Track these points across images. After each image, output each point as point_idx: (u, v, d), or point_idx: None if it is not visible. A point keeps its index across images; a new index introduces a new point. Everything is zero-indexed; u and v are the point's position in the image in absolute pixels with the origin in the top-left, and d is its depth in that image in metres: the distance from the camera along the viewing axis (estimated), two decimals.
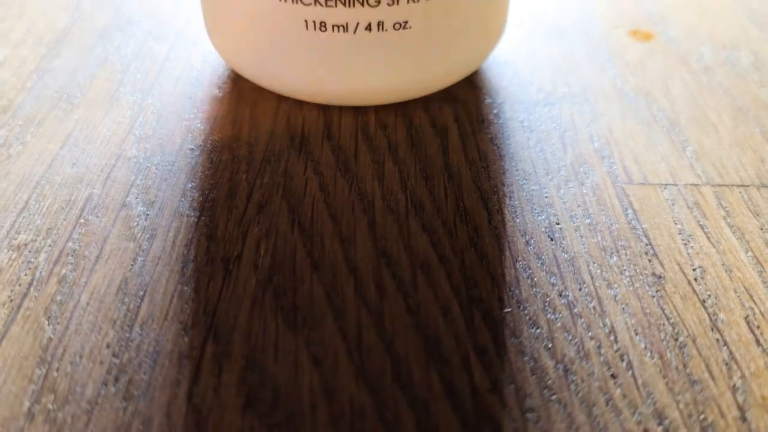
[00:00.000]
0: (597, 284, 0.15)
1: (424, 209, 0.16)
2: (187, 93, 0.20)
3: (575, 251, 0.15)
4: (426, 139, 0.18)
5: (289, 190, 0.17)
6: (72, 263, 0.15)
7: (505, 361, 0.13)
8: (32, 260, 0.15)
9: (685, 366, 0.13)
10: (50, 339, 0.13)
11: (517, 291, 0.14)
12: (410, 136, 0.18)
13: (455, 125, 0.19)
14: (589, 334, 0.14)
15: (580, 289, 0.14)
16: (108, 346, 0.13)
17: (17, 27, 0.23)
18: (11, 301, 0.14)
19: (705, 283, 0.15)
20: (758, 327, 0.14)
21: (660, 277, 0.15)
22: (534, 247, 0.15)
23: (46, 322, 0.14)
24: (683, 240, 0.16)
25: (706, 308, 0.14)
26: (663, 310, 0.14)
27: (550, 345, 0.13)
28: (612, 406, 0.12)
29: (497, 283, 0.15)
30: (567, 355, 0.13)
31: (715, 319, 0.14)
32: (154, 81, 0.21)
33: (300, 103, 0.20)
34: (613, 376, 0.13)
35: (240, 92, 0.20)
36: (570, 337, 0.13)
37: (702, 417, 0.12)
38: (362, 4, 0.17)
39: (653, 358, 0.13)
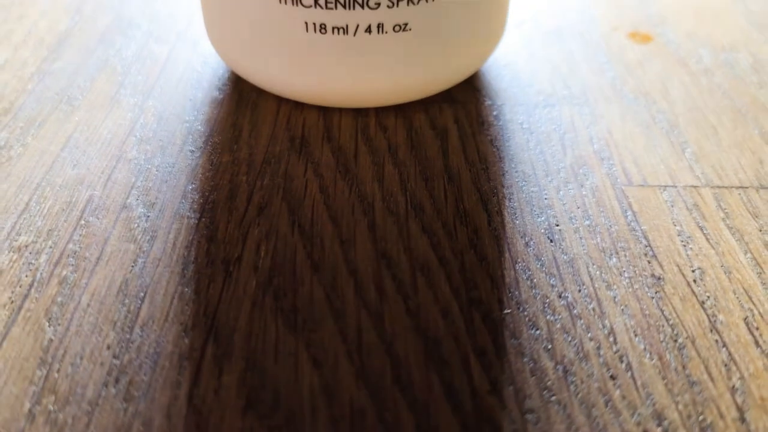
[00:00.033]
0: (596, 285, 0.15)
1: (424, 211, 0.16)
2: (188, 95, 0.20)
3: (575, 253, 0.15)
4: (426, 141, 0.18)
5: (290, 192, 0.17)
6: (73, 265, 0.15)
7: (505, 362, 0.13)
8: (33, 262, 0.15)
9: (684, 367, 0.13)
10: (51, 340, 0.13)
11: (516, 292, 0.14)
12: (410, 138, 0.18)
13: (455, 127, 0.19)
14: (589, 335, 0.14)
15: (580, 291, 0.14)
16: (108, 347, 0.13)
17: (18, 29, 0.23)
18: (12, 302, 0.14)
19: (704, 285, 0.15)
20: (757, 328, 0.14)
21: (659, 278, 0.15)
22: (533, 249, 0.15)
23: (47, 324, 0.14)
24: (682, 241, 0.16)
25: (705, 309, 0.14)
26: (662, 311, 0.14)
27: (549, 346, 0.13)
28: (611, 407, 0.12)
29: (497, 285, 0.15)
30: (566, 357, 0.13)
31: (714, 321, 0.14)
32: (155, 83, 0.21)
33: (300, 105, 0.20)
34: (612, 377, 0.13)
35: (240, 94, 0.20)
36: (569, 339, 0.14)
37: (701, 418, 0.12)
38: (362, 7, 0.17)
39: (652, 359, 0.13)
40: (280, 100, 0.20)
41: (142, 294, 0.14)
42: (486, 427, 0.12)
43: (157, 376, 0.13)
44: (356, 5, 0.17)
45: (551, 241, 0.16)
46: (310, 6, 0.17)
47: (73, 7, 0.25)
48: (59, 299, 0.14)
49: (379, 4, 0.17)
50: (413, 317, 0.14)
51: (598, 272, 0.15)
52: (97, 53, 0.22)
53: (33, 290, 0.14)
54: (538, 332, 0.14)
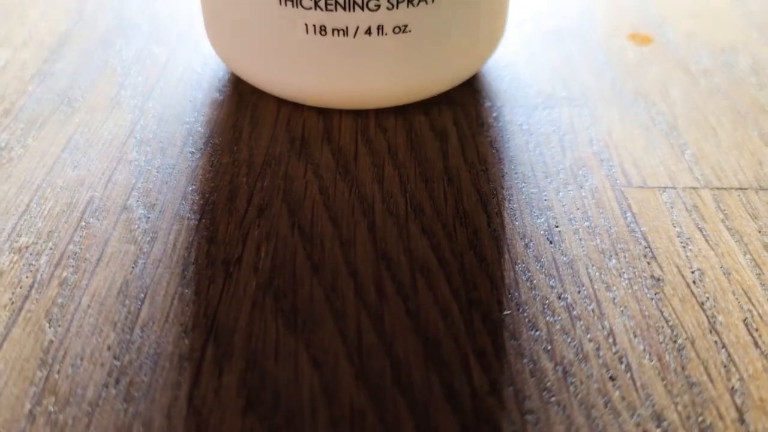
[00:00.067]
0: (596, 287, 0.15)
1: (424, 212, 0.16)
2: (188, 96, 0.20)
3: (574, 254, 0.15)
4: (425, 143, 0.18)
5: (290, 193, 0.17)
6: (73, 266, 0.15)
7: (505, 363, 0.13)
8: (33, 263, 0.15)
9: (683, 368, 0.13)
10: (51, 341, 0.13)
11: (516, 294, 0.14)
12: (410, 140, 0.18)
13: (455, 128, 0.19)
14: (588, 336, 0.14)
15: (579, 292, 0.14)
16: (109, 348, 0.13)
17: (19, 31, 0.23)
18: (12, 303, 0.14)
19: (703, 286, 0.15)
20: (756, 329, 0.14)
21: (659, 279, 0.15)
22: (533, 250, 0.15)
23: (47, 325, 0.14)
24: (682, 243, 0.16)
25: (704, 311, 0.14)
26: (662, 312, 0.14)
27: (549, 347, 0.13)
28: (611, 408, 0.12)
29: (496, 286, 0.15)
30: (566, 358, 0.13)
31: (714, 322, 0.14)
32: (155, 84, 0.21)
33: (300, 107, 0.20)
34: (612, 378, 0.13)
35: (240, 95, 0.20)
36: (569, 340, 0.14)
37: (700, 419, 0.12)
38: (362, 8, 0.17)
39: (652, 361, 0.13)
40: (280, 102, 0.20)
41: (142, 295, 0.14)
42: (486, 427, 0.12)
43: (157, 376, 0.13)
44: (356, 7, 0.17)
45: (551, 242, 0.16)
46: (310, 8, 0.17)
47: (74, 9, 0.25)
48: (60, 300, 0.14)
49: (378, 6, 0.17)
50: (413, 318, 0.14)
51: (597, 273, 0.15)
52: (97, 55, 0.22)
53: (33, 291, 0.14)
54: (537, 333, 0.14)
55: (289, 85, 0.19)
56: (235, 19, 0.18)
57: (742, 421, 0.12)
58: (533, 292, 0.14)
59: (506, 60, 0.22)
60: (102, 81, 0.21)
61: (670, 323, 0.14)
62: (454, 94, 0.20)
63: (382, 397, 0.13)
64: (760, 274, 0.15)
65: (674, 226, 0.16)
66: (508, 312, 0.14)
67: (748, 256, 0.15)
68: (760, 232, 0.16)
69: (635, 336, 0.14)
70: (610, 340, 0.14)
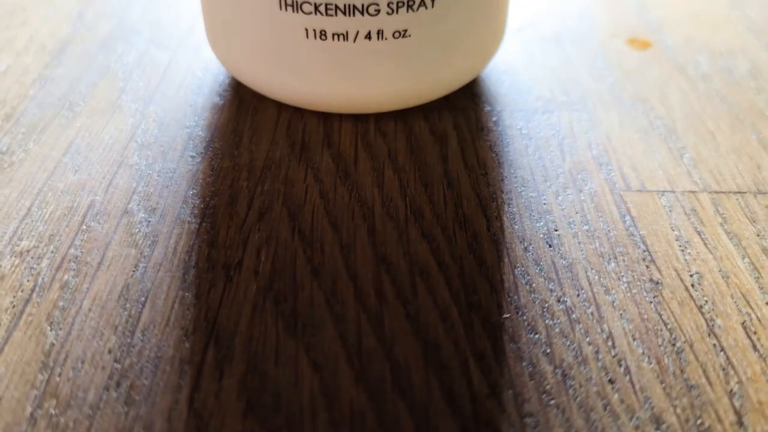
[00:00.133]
0: (595, 290, 0.15)
1: (424, 216, 0.16)
2: (189, 101, 0.20)
3: (573, 257, 0.15)
4: (425, 147, 0.18)
5: (290, 197, 0.17)
6: (74, 269, 0.15)
7: (504, 366, 0.13)
8: (35, 266, 0.15)
9: (682, 371, 0.13)
10: (52, 344, 0.13)
11: (515, 297, 0.14)
12: (410, 144, 0.19)
13: (454, 133, 0.19)
14: (587, 339, 0.14)
15: (578, 295, 0.15)
16: (110, 351, 0.13)
17: (20, 35, 0.23)
18: (14, 306, 0.14)
19: (702, 289, 0.15)
20: (755, 332, 0.14)
21: (657, 283, 0.15)
22: (532, 254, 0.15)
23: (49, 328, 0.14)
24: (680, 246, 0.16)
25: (703, 314, 0.14)
26: (660, 315, 0.14)
27: (548, 350, 0.13)
28: (610, 411, 0.12)
29: (496, 290, 0.15)
30: (565, 361, 0.13)
31: (712, 325, 0.14)
32: (156, 89, 0.21)
33: (300, 111, 0.20)
34: (611, 381, 0.13)
35: (241, 100, 0.20)
36: (568, 343, 0.14)
37: (699, 422, 0.12)
38: (362, 13, 0.17)
39: (651, 364, 0.13)
40: (280, 106, 0.20)
41: (143, 298, 0.14)
42: (485, 430, 0.12)
43: (158, 380, 0.13)
44: (356, 12, 0.17)
45: (550, 246, 0.16)
46: (311, 12, 0.17)
47: (75, 14, 0.25)
48: (61, 304, 0.14)
49: (378, 11, 0.17)
50: (413, 322, 0.14)
51: (596, 277, 0.15)
52: (98, 59, 0.22)
53: (35, 295, 0.14)
54: (537, 336, 0.14)
55: (290, 89, 0.19)
56: (236, 24, 0.18)
57: (740, 423, 0.12)
58: (532, 295, 0.15)
59: (506, 64, 0.22)
60: (103, 85, 0.21)
61: (669, 326, 0.14)
62: (453, 98, 0.20)
63: (381, 400, 0.13)
64: (758, 278, 0.15)
65: (673, 230, 0.16)
66: (508, 315, 0.14)
67: (746, 259, 0.15)
68: (758, 235, 0.16)
69: (634, 339, 0.14)
70: (609, 343, 0.14)
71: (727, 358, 0.13)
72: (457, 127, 0.19)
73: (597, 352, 0.13)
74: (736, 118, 0.20)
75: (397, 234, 0.16)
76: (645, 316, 0.14)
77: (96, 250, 0.15)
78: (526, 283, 0.15)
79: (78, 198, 0.17)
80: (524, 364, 0.13)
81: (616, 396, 0.13)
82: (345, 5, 0.17)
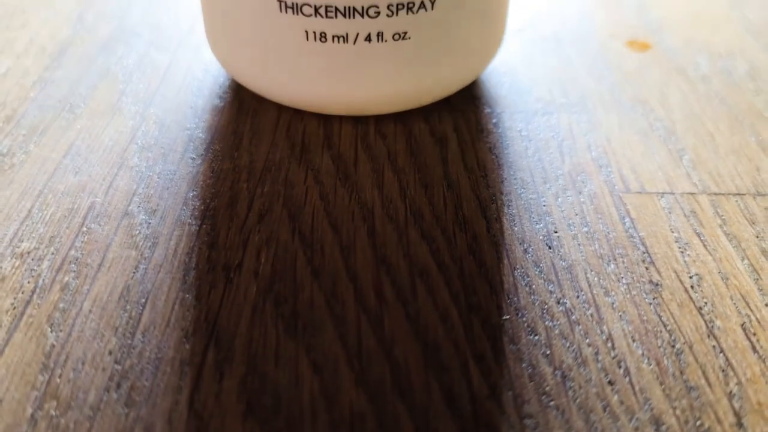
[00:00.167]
0: (594, 292, 0.15)
1: (424, 217, 0.16)
2: (189, 103, 0.20)
3: (573, 259, 0.15)
4: (425, 148, 0.18)
5: (290, 199, 0.17)
6: (74, 271, 0.15)
7: (504, 367, 0.13)
8: (35, 268, 0.15)
9: (681, 372, 0.13)
10: (53, 346, 0.13)
11: (515, 298, 0.14)
12: (410, 146, 0.19)
13: (454, 134, 0.19)
14: (587, 341, 0.14)
15: (578, 297, 0.15)
16: (110, 352, 0.13)
17: (20, 38, 0.23)
18: (14, 308, 0.14)
19: (701, 291, 0.15)
20: (754, 334, 0.14)
21: (657, 284, 0.15)
22: (532, 255, 0.15)
23: (49, 329, 0.14)
24: (680, 248, 0.16)
25: (702, 315, 0.14)
26: (660, 317, 0.14)
27: (548, 352, 0.13)
28: (609, 413, 0.12)
29: (496, 291, 0.15)
30: (565, 362, 0.13)
31: (712, 327, 0.14)
32: (156, 91, 0.21)
33: (300, 113, 0.20)
34: (610, 383, 0.13)
35: (241, 102, 0.20)
36: (568, 344, 0.14)
37: (699, 423, 0.12)
38: (362, 15, 0.17)
39: (650, 365, 0.13)
40: (280, 108, 0.20)
41: (143, 300, 0.14)
42: (485, 431, 0.12)
43: (158, 381, 0.13)
44: (356, 14, 0.17)
45: (550, 247, 0.16)
46: (311, 15, 0.17)
47: (75, 16, 0.25)
48: (61, 305, 0.14)
49: (378, 13, 0.17)
50: (413, 323, 0.14)
51: (596, 278, 0.15)
52: (98, 61, 0.22)
53: (35, 296, 0.14)
54: (536, 338, 0.14)
55: (290, 91, 0.19)
56: (236, 26, 0.18)
57: (740, 425, 0.12)
58: (532, 297, 0.15)
59: (505, 66, 0.22)
60: (103, 87, 0.21)
61: (669, 328, 0.14)
62: (453, 100, 0.20)
63: (381, 402, 0.13)
64: (757, 279, 0.15)
65: (672, 232, 0.16)
66: (507, 317, 0.14)
67: (745, 261, 0.15)
68: (757, 237, 0.16)
69: (634, 341, 0.14)
70: (609, 344, 0.14)
71: (727, 359, 0.13)
72: (457, 128, 0.19)
73: (597, 353, 0.13)
74: (736, 119, 0.20)
75: (397, 235, 0.16)
76: (644, 318, 0.14)
77: (96, 251, 0.15)
78: (525, 285, 0.15)
79: (78, 200, 0.17)
80: (524, 365, 0.13)
81: (615, 397, 0.13)
82: (345, 7, 0.17)
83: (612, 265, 0.15)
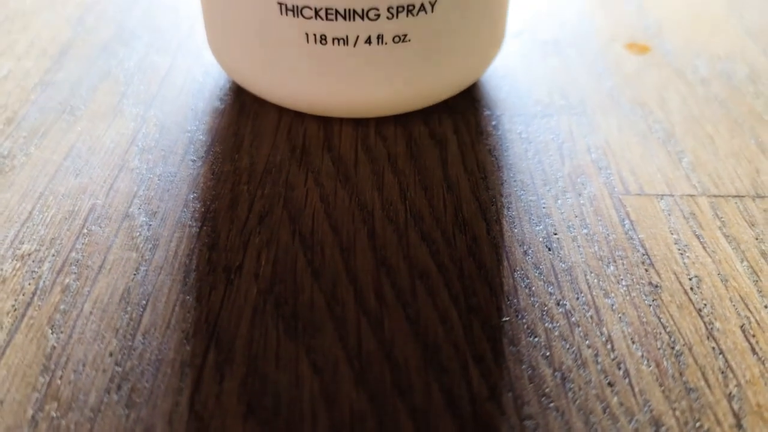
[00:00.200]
0: (594, 293, 0.15)
1: (423, 219, 0.16)
2: (189, 105, 0.20)
3: (573, 261, 0.15)
4: (425, 151, 0.19)
5: (290, 201, 0.17)
6: (75, 273, 0.15)
7: (504, 369, 0.13)
8: (36, 270, 0.15)
9: (681, 374, 0.13)
10: (54, 347, 0.13)
11: (515, 300, 0.15)
12: (410, 148, 0.19)
13: (454, 137, 0.19)
14: (587, 342, 0.14)
15: (578, 299, 0.15)
16: (111, 354, 0.13)
17: (21, 40, 0.23)
18: (15, 310, 0.14)
19: (701, 293, 0.15)
20: (754, 336, 0.14)
21: (656, 286, 0.15)
22: (532, 257, 0.15)
23: (50, 331, 0.14)
24: (679, 250, 0.16)
25: (702, 317, 0.14)
26: (659, 319, 0.14)
27: (547, 353, 0.13)
28: (609, 414, 0.12)
29: (495, 293, 0.15)
30: (565, 364, 0.13)
31: (711, 328, 0.14)
32: (157, 93, 0.21)
33: (301, 115, 0.20)
34: (610, 384, 0.13)
35: (241, 104, 0.20)
36: (567, 346, 0.14)
37: (698, 424, 0.12)
38: (362, 18, 0.17)
39: (650, 367, 0.13)
40: (280, 110, 0.20)
41: (144, 302, 0.14)
42: None
43: (158, 382, 0.13)
44: (356, 16, 0.17)
45: (549, 249, 0.16)
46: (311, 17, 0.17)
47: (76, 19, 0.25)
48: (62, 307, 0.14)
49: (378, 16, 0.17)
50: (413, 324, 0.14)
51: (595, 280, 0.15)
52: (99, 64, 0.22)
53: (36, 298, 0.14)
54: (536, 339, 0.14)
55: (290, 93, 0.19)
56: (237, 29, 0.18)
57: (739, 426, 0.12)
58: (532, 298, 0.15)
59: (505, 69, 0.22)
60: (104, 90, 0.21)
61: (668, 329, 0.14)
62: (453, 102, 0.20)
63: (382, 403, 0.13)
64: (757, 281, 0.15)
65: (672, 234, 0.16)
66: (507, 318, 0.14)
67: (745, 263, 0.15)
68: (757, 239, 0.16)
69: (633, 342, 0.14)
70: (609, 346, 0.14)
71: (726, 361, 0.13)
72: (456, 131, 0.19)
73: (596, 355, 0.13)
74: (735, 122, 0.20)
75: (397, 237, 0.16)
76: (644, 320, 0.14)
77: (97, 253, 0.15)
78: (525, 287, 0.15)
79: (79, 202, 0.17)
80: (524, 366, 0.13)
81: (615, 399, 0.13)
82: (345, 10, 0.17)
83: (612, 267, 0.15)
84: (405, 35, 0.17)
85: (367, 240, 0.16)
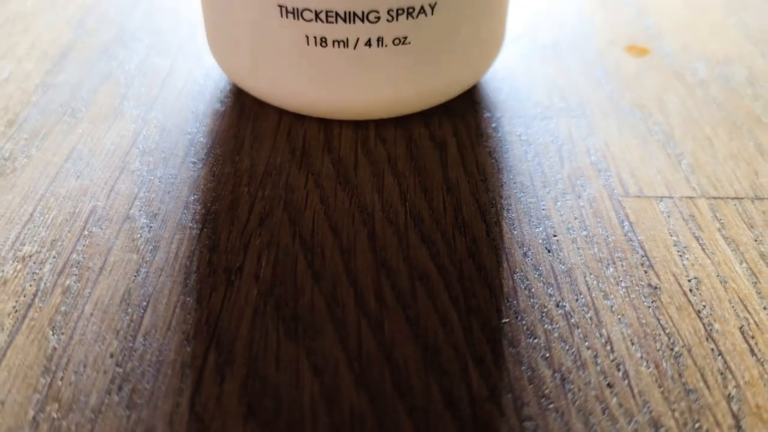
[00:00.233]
0: (594, 295, 0.15)
1: (423, 221, 0.16)
2: (190, 107, 0.20)
3: (572, 263, 0.15)
4: (425, 153, 0.19)
5: (290, 203, 0.17)
6: (76, 274, 0.15)
7: (503, 370, 0.13)
8: (37, 271, 0.15)
9: (680, 375, 0.13)
10: (55, 349, 0.14)
11: (514, 302, 0.15)
12: (410, 150, 0.19)
13: (454, 139, 0.19)
14: (586, 344, 0.14)
15: (577, 300, 0.15)
16: (111, 355, 0.13)
17: (22, 42, 0.24)
18: (16, 311, 0.14)
19: (700, 294, 0.15)
20: (752, 337, 0.14)
21: (656, 287, 0.15)
22: (531, 259, 0.16)
23: (51, 332, 0.14)
24: (679, 251, 0.16)
25: (701, 318, 0.14)
26: (659, 320, 0.14)
27: (547, 354, 0.14)
28: (608, 415, 0.13)
29: (495, 294, 0.15)
30: (564, 365, 0.13)
31: (710, 330, 0.14)
32: (157, 95, 0.21)
33: (301, 117, 0.20)
34: (609, 385, 0.13)
35: (242, 106, 0.20)
36: (567, 347, 0.14)
37: (697, 425, 0.12)
38: (362, 20, 0.17)
39: (649, 368, 0.13)
40: (281, 112, 0.20)
41: (144, 303, 0.14)
42: None
43: (159, 383, 0.13)
44: (356, 19, 0.17)
45: (549, 251, 0.16)
46: (311, 20, 0.17)
47: (76, 20, 0.25)
48: (63, 308, 0.14)
49: (378, 18, 0.17)
50: (413, 326, 0.14)
51: (595, 282, 0.15)
52: (100, 66, 0.22)
53: (37, 299, 0.14)
54: (536, 341, 0.14)
55: (290, 96, 0.19)
56: (237, 31, 0.18)
57: (738, 427, 0.12)
58: (531, 300, 0.15)
59: (505, 71, 0.22)
60: (105, 92, 0.21)
61: (667, 331, 0.14)
62: (453, 105, 0.20)
63: (382, 404, 0.13)
64: (756, 283, 0.15)
65: (671, 235, 0.16)
66: (507, 320, 0.14)
67: (744, 264, 0.15)
68: (756, 241, 0.16)
69: (632, 343, 0.14)
70: (608, 347, 0.14)
71: (725, 362, 0.13)
72: (456, 133, 0.19)
73: (596, 356, 0.14)
74: (734, 124, 0.20)
75: (397, 239, 0.16)
76: (643, 321, 0.14)
77: (98, 255, 0.16)
78: (525, 288, 0.15)
79: (80, 203, 0.17)
80: (523, 368, 0.13)
81: (614, 400, 0.13)
82: (345, 12, 0.17)
83: (611, 269, 0.15)
84: (405, 38, 0.17)
85: (367, 242, 0.16)
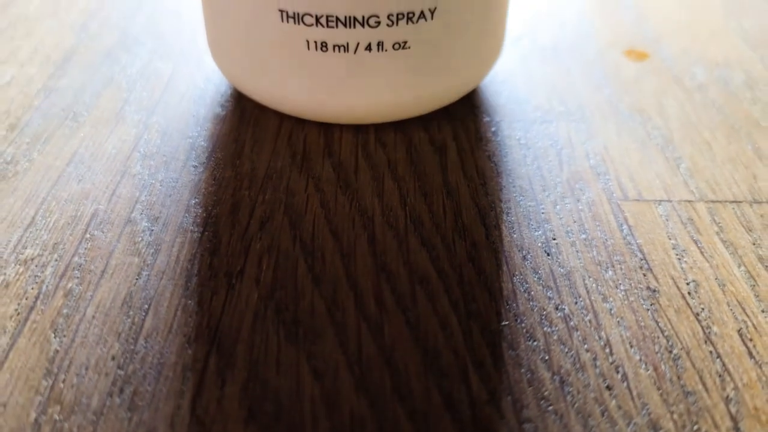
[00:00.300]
0: (593, 298, 0.15)
1: (423, 225, 0.17)
2: (191, 111, 0.20)
3: (571, 266, 0.16)
4: (425, 157, 0.19)
5: (291, 207, 0.17)
6: (78, 277, 0.15)
7: (503, 373, 0.13)
8: (39, 274, 0.15)
9: (679, 378, 0.13)
10: (56, 351, 0.14)
11: (514, 305, 0.15)
12: (409, 154, 0.19)
13: (454, 143, 0.19)
14: (585, 346, 0.14)
15: (576, 303, 0.15)
16: (113, 358, 0.13)
17: (25, 46, 0.24)
18: (18, 314, 0.14)
19: (698, 297, 0.15)
20: (751, 339, 0.14)
21: (654, 290, 0.15)
22: (531, 262, 0.16)
23: (53, 335, 0.14)
24: (677, 255, 0.16)
25: (699, 321, 0.14)
26: (657, 323, 0.14)
27: (546, 357, 0.14)
28: (607, 417, 0.13)
29: (495, 298, 0.15)
30: (563, 367, 0.13)
31: (709, 332, 0.14)
32: (159, 100, 0.21)
33: (301, 121, 0.20)
34: (608, 388, 0.13)
35: (242, 110, 0.20)
36: (566, 350, 0.14)
37: (696, 427, 0.12)
38: (363, 25, 0.17)
39: (648, 370, 0.13)
40: (281, 117, 0.20)
41: (146, 306, 0.14)
42: None
43: (160, 386, 0.13)
44: (356, 23, 0.17)
45: (548, 254, 0.16)
46: (312, 24, 0.17)
47: (79, 25, 0.25)
48: (65, 311, 0.14)
49: (379, 23, 0.17)
50: (413, 329, 0.14)
51: (594, 285, 0.15)
52: (102, 70, 0.22)
53: (39, 302, 0.15)
54: (535, 344, 0.14)
55: (291, 100, 0.19)
56: (238, 36, 0.18)
57: (736, 429, 0.12)
58: (531, 303, 0.15)
59: (504, 76, 0.22)
60: (106, 96, 0.21)
61: (666, 333, 0.14)
62: (452, 109, 0.21)
63: (382, 407, 0.13)
64: (754, 286, 0.15)
65: (670, 239, 0.16)
66: (507, 323, 0.14)
67: (742, 267, 0.16)
68: (754, 244, 0.16)
69: (631, 346, 0.14)
70: (607, 350, 0.14)
71: (724, 364, 0.14)
72: (456, 137, 0.19)
73: (595, 358, 0.14)
74: (732, 128, 0.20)
75: (397, 243, 0.16)
76: (642, 324, 0.14)
77: (99, 258, 0.16)
78: (524, 291, 0.15)
79: (82, 207, 0.17)
80: (523, 370, 0.13)
81: (613, 402, 0.13)
82: (346, 17, 0.17)
83: (610, 272, 0.15)
84: (405, 42, 0.17)
85: (367, 246, 0.16)
